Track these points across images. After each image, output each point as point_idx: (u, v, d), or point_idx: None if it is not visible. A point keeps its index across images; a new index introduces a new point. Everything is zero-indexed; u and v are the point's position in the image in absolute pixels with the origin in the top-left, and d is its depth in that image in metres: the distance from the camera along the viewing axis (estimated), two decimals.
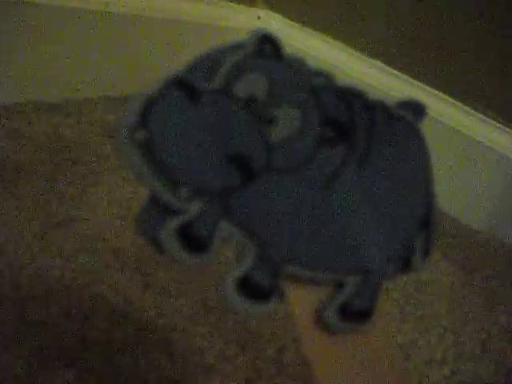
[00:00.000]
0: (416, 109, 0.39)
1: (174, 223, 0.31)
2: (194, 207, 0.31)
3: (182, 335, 0.55)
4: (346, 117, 0.34)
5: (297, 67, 0.34)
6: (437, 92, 1.06)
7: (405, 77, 1.08)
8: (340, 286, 0.35)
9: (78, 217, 0.66)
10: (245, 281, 0.33)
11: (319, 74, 0.35)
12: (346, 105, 0.35)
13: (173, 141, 0.30)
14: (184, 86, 0.31)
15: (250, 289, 0.33)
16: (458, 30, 1.02)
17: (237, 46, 0.34)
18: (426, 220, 0.38)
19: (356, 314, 0.36)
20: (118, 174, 0.75)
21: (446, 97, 1.05)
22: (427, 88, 1.06)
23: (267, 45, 0.34)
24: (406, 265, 0.38)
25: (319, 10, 1.18)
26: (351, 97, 0.35)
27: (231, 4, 1.17)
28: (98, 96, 0.96)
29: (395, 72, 1.09)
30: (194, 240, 0.32)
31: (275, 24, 1.23)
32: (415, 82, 1.07)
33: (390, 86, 1.09)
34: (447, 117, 1.04)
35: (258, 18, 1.24)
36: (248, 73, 0.32)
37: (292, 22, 1.21)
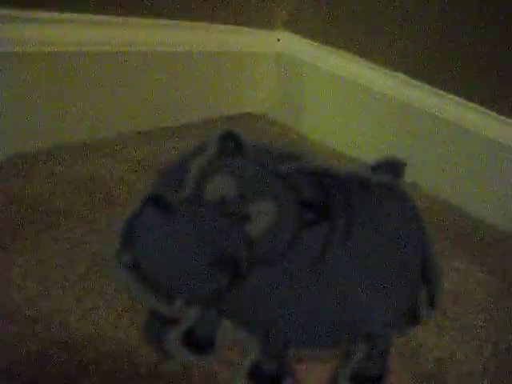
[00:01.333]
0: (393, 167, 0.39)
1: (176, 332, 0.33)
2: (192, 314, 0.33)
3: (224, 366, 0.57)
4: (321, 196, 0.34)
5: (262, 158, 0.35)
6: (463, 101, 1.06)
7: (428, 88, 1.08)
8: (349, 354, 0.36)
9: None
10: (255, 372, 0.34)
11: (286, 157, 0.36)
12: (318, 185, 0.35)
13: (157, 257, 0.31)
14: (158, 201, 0.31)
15: (261, 378, 0.34)
16: (480, 41, 1.03)
17: (199, 149, 0.34)
18: (426, 272, 0.38)
19: (368, 380, 0.37)
20: None
21: (471, 104, 1.05)
22: (451, 96, 1.06)
23: (229, 142, 0.34)
24: (413, 319, 0.38)
25: (338, 27, 1.19)
26: (323, 175, 0.35)
27: (250, 29, 1.19)
28: (129, 131, 0.99)
29: (419, 84, 1.09)
30: (197, 344, 0.34)
31: (295, 45, 1.24)
32: (439, 92, 1.07)
33: (414, 97, 1.10)
34: (472, 123, 1.04)
35: (278, 40, 1.26)
36: (215, 175, 0.32)
37: (312, 42, 1.23)
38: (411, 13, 1.09)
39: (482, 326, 0.73)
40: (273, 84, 1.26)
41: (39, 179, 0.79)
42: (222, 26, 1.12)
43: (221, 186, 0.32)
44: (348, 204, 0.35)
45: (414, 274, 0.38)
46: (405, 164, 0.39)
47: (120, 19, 0.92)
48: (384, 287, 0.36)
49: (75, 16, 0.85)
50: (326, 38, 1.21)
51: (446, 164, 1.08)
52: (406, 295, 0.38)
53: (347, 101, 1.18)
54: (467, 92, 1.05)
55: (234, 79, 1.19)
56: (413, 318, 0.38)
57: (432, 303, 0.39)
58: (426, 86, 1.09)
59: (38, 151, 0.84)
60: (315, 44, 1.22)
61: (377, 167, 0.39)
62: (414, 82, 1.10)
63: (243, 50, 1.19)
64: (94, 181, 0.82)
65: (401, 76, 1.12)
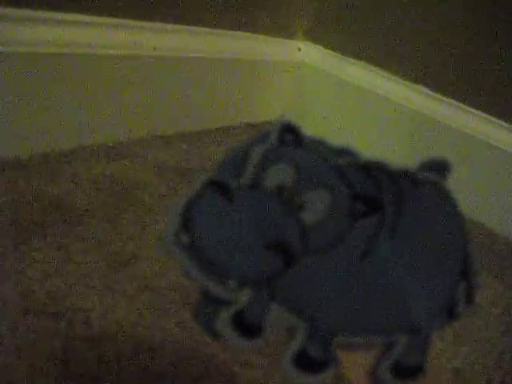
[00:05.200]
0: (440, 167, 0.41)
1: (226, 314, 0.34)
2: (243, 296, 0.34)
3: (244, 368, 0.58)
4: (374, 190, 0.36)
5: (320, 151, 0.36)
6: (482, 113, 1.06)
7: (450, 101, 1.09)
8: (391, 344, 0.37)
9: (139, 256, 0.69)
10: (300, 355, 0.35)
11: (341, 152, 0.37)
12: (372, 179, 0.36)
13: (214, 239, 0.32)
14: (218, 186, 0.33)
15: (306, 362, 0.36)
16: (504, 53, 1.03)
17: (260, 139, 0.36)
18: (465, 270, 0.40)
19: (408, 370, 0.38)
20: None
21: (493, 119, 1.05)
22: (473, 111, 1.06)
23: (288, 133, 0.36)
24: (450, 315, 0.39)
25: (359, 39, 1.20)
26: (376, 170, 0.37)
27: (271, 38, 1.20)
28: (150, 135, 1.00)
29: (439, 97, 1.10)
30: (247, 326, 0.34)
31: (316, 55, 1.25)
32: (461, 106, 1.08)
33: (435, 110, 1.10)
34: (496, 139, 1.04)
35: (299, 49, 1.27)
36: (274, 164, 0.34)
37: (333, 53, 1.23)
38: (434, 25, 1.10)
39: (500, 338, 0.73)
40: (293, 93, 1.27)
41: (64, 179, 0.80)
42: (244, 34, 1.13)
43: (279, 175, 0.33)
44: (398, 199, 0.36)
45: (455, 270, 0.39)
46: (449, 165, 0.41)
47: (151, 24, 0.94)
48: (428, 281, 0.37)
49: (105, 20, 0.86)
50: (346, 48, 1.22)
51: (463, 177, 1.08)
52: (447, 290, 0.39)
53: (367, 111, 1.19)
54: (487, 105, 1.05)
55: (254, 87, 1.19)
56: (451, 313, 0.39)
57: (469, 299, 0.40)
58: (446, 99, 1.09)
59: (62, 151, 0.85)
60: (337, 55, 1.23)
61: (423, 167, 0.40)
62: (435, 94, 1.11)
63: (265, 59, 1.20)
64: (117, 183, 0.83)
65: (420, 88, 1.13)
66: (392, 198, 0.36)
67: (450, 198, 0.40)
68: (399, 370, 0.38)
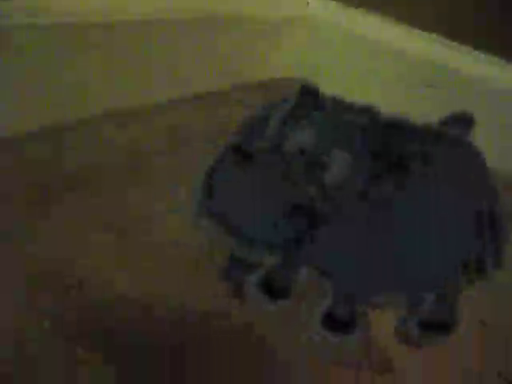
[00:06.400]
0: (463, 121, 0.40)
1: (254, 276, 0.35)
2: (271, 259, 0.35)
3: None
4: (395, 148, 0.36)
5: (338, 111, 0.37)
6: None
7: (467, 49, 1.05)
8: (417, 302, 0.38)
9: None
10: (328, 316, 0.37)
11: (362, 110, 0.37)
12: (392, 136, 0.37)
13: (239, 205, 0.34)
14: (239, 150, 0.34)
15: (334, 322, 0.37)
16: None
17: (280, 103, 0.36)
18: (492, 226, 0.39)
19: (436, 327, 0.39)
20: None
21: None
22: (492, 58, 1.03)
23: (307, 95, 0.36)
24: (479, 273, 0.39)
25: None
26: (396, 127, 0.37)
27: None
28: (168, 99, 0.98)
29: (456, 45, 1.07)
30: (274, 289, 0.36)
31: (325, 8, 1.22)
32: (478, 54, 1.05)
33: (452, 60, 1.07)
34: None
35: (307, 3, 1.24)
36: (295, 127, 0.34)
37: (343, 5, 1.20)
38: None
39: None
40: (302, 47, 1.24)
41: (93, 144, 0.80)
42: None
43: (300, 137, 0.34)
44: (419, 158, 0.37)
45: (479, 226, 0.38)
46: (472, 119, 0.40)
47: None
48: (444, 239, 0.37)
49: None
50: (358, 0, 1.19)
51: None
52: (470, 245, 0.38)
53: (379, 63, 1.16)
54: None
55: (262, 43, 1.17)
56: (480, 270, 0.39)
57: (498, 258, 0.39)
58: (467, 48, 1.06)
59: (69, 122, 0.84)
60: (348, 8, 1.20)
61: (447, 121, 0.40)
62: (449, 42, 1.08)
63: (272, 14, 1.17)
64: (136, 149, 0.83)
65: (434, 37, 1.10)
66: (413, 154, 0.36)
67: (474, 152, 0.40)
68: (426, 327, 0.39)
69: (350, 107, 0.38)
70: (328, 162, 0.33)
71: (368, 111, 0.37)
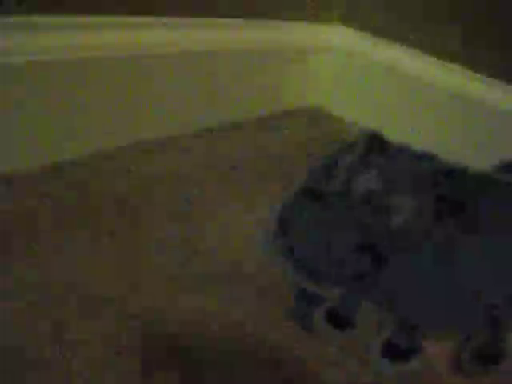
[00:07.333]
0: None
1: (322, 309, 0.38)
2: (336, 294, 0.37)
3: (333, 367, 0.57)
4: (455, 192, 0.38)
5: (403, 157, 0.39)
6: None
7: (489, 80, 1.07)
8: (471, 335, 0.41)
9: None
10: (387, 345, 0.39)
11: (423, 156, 0.40)
12: (453, 181, 0.39)
13: (309, 241, 0.35)
14: (311, 193, 0.36)
15: (393, 351, 0.39)
16: None
17: (348, 148, 0.38)
18: None
19: (489, 358, 0.41)
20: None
21: None
22: None
23: (374, 142, 0.38)
24: None
25: (394, 20, 1.18)
26: (456, 173, 0.39)
27: (307, 24, 1.20)
28: (194, 130, 1.01)
29: (478, 76, 1.08)
30: (340, 320, 0.38)
31: (351, 38, 1.24)
32: (503, 86, 1.06)
33: (472, 89, 1.08)
34: None
35: (334, 34, 1.25)
36: (363, 171, 0.36)
37: (368, 35, 1.22)
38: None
39: None
40: (329, 77, 1.26)
41: (110, 175, 0.81)
42: (278, 22, 1.12)
43: (367, 181, 0.36)
44: (479, 201, 0.39)
45: None
46: None
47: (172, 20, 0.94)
48: (506, 280, 0.39)
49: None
50: (382, 31, 1.20)
51: None
52: None
53: (404, 94, 1.17)
54: None
55: (290, 73, 1.19)
56: None
57: None
58: (488, 80, 1.07)
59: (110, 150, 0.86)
60: (371, 37, 1.22)
61: (503, 167, 0.42)
62: (474, 75, 1.09)
63: (300, 45, 1.19)
64: (174, 176, 0.85)
65: (458, 68, 1.11)
66: (473, 198, 0.38)
67: None
68: (479, 358, 0.41)
69: (412, 153, 0.40)
70: (393, 206, 0.36)
71: (428, 157, 0.40)
